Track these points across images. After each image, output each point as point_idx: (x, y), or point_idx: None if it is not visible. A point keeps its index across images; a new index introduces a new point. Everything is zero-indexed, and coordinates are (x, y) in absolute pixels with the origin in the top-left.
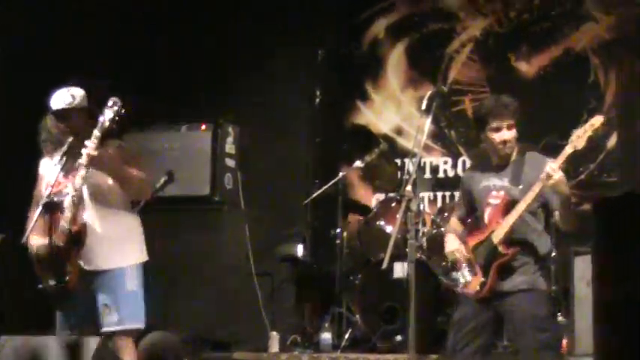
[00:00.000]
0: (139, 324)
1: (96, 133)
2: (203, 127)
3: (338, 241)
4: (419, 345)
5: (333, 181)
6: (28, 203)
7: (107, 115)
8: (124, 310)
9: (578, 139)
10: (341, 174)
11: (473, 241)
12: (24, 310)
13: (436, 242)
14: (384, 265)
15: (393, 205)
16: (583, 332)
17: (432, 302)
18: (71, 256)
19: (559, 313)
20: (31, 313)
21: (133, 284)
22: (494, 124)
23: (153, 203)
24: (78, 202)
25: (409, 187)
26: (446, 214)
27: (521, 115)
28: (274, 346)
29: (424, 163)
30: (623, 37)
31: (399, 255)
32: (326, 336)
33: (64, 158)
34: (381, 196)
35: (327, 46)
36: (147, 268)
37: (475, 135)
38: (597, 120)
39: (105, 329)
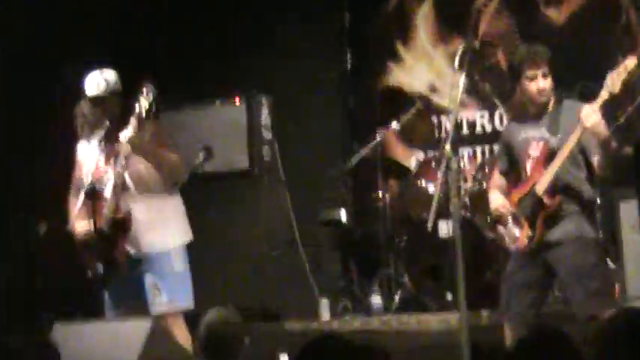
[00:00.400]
0: (189, 304)
1: (133, 121)
2: (237, 100)
3: (380, 204)
4: (469, 302)
5: (371, 145)
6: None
7: (143, 103)
8: (173, 291)
9: (613, 82)
10: (377, 137)
11: (517, 195)
12: (70, 297)
13: (479, 199)
14: (429, 225)
15: (433, 163)
16: (633, 277)
17: (479, 259)
18: (117, 241)
19: (607, 259)
20: (77, 300)
21: (180, 265)
22: (529, 73)
23: (194, 181)
24: (120, 190)
25: (447, 146)
26: (487, 170)
27: (555, 63)
28: (325, 313)
29: (461, 119)
30: None
31: (442, 213)
32: (376, 299)
33: (102, 143)
34: (420, 155)
35: (354, 8)
36: (193, 246)
37: (510, 86)
38: (631, 62)
39: (156, 310)
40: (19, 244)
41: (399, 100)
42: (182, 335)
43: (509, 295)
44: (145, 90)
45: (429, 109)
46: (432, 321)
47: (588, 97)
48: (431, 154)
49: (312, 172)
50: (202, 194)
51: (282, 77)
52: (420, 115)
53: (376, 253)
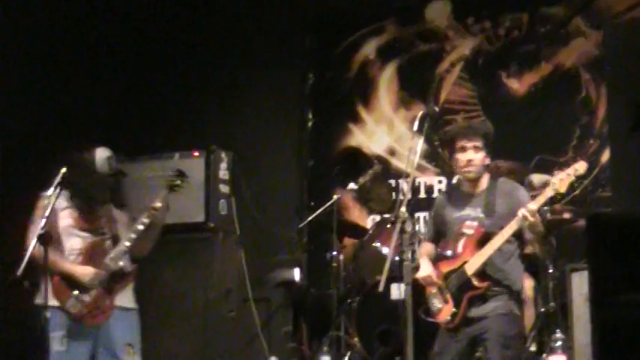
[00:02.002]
0: None
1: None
2: (196, 154)
3: (334, 264)
4: None
5: (327, 205)
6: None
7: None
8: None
9: (561, 182)
10: (335, 197)
11: (445, 268)
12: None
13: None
14: (381, 288)
15: (389, 226)
16: (582, 348)
17: (429, 322)
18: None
19: (557, 330)
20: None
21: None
22: (459, 144)
23: None
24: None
25: (403, 208)
26: None
27: (513, 134)
28: None
29: (418, 183)
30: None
31: (395, 277)
32: (325, 359)
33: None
34: (376, 218)
35: (317, 70)
36: (146, 297)
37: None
38: (581, 166)
39: None
40: None
41: (357, 161)
42: None
43: None
44: None
45: (386, 172)
46: None
47: (545, 169)
48: (387, 216)
49: (268, 230)
50: (157, 245)
51: (244, 134)
52: (377, 177)
53: (328, 314)
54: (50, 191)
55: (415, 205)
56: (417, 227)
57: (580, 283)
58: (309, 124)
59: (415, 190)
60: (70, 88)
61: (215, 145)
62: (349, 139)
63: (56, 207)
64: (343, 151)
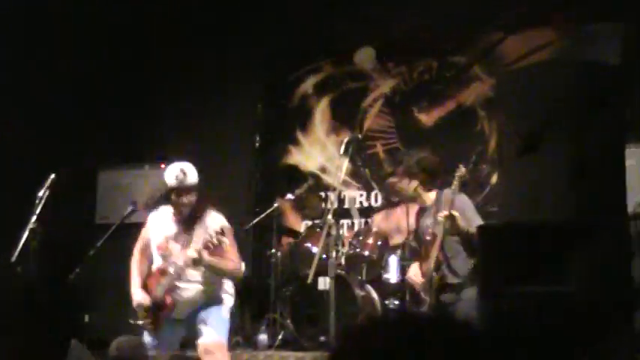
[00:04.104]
0: None
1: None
2: (162, 165)
3: (273, 260)
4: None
5: (269, 210)
6: (13, 227)
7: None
8: None
9: (455, 187)
10: (275, 204)
11: (424, 268)
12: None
13: (353, 260)
14: (310, 280)
15: (318, 230)
16: None
17: (349, 309)
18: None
19: None
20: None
21: None
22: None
23: (120, 229)
24: (177, 278)
25: (330, 216)
26: (361, 238)
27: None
28: None
29: (343, 195)
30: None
31: (322, 271)
32: (262, 337)
33: (178, 226)
34: (308, 223)
35: (266, 100)
36: (115, 284)
37: (384, 174)
38: (459, 171)
39: None
40: None
41: (295, 176)
42: None
43: None
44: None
45: (318, 185)
46: (307, 357)
47: (447, 185)
48: (317, 221)
49: None
50: (130, 240)
51: (204, 150)
52: (311, 189)
53: (266, 300)
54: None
55: (340, 213)
56: (340, 232)
57: None
58: (257, 144)
59: (341, 200)
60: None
61: (177, 159)
62: (289, 157)
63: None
64: (284, 167)
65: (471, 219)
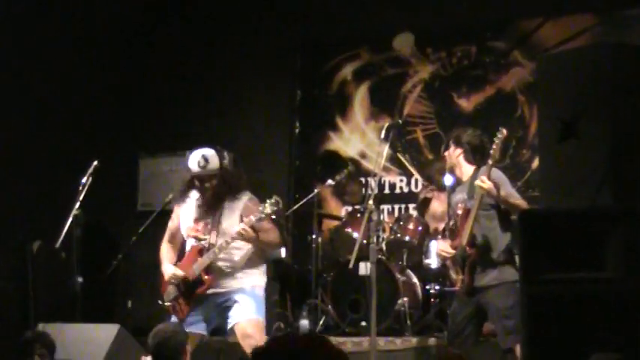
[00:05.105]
0: None
1: (252, 219)
2: None
3: (314, 246)
4: (378, 329)
5: (309, 196)
6: (57, 213)
7: (266, 210)
8: None
9: (494, 152)
10: (315, 190)
11: (454, 245)
12: (55, 303)
13: (393, 246)
14: (351, 265)
15: (359, 215)
16: None
17: (390, 294)
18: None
19: None
20: (61, 306)
21: None
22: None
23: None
24: (214, 257)
25: (371, 201)
26: (402, 223)
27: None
28: None
29: (383, 181)
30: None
31: (363, 256)
32: (304, 322)
33: (201, 210)
34: (348, 208)
35: (305, 87)
36: (157, 270)
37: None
38: (501, 133)
39: None
40: (16, 259)
41: (335, 162)
42: None
43: (452, 328)
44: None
45: (358, 171)
46: (348, 343)
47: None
48: (357, 207)
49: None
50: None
51: (244, 137)
52: (351, 175)
53: (308, 286)
54: None
55: (381, 198)
56: (381, 217)
57: None
58: (297, 131)
59: (381, 186)
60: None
61: (219, 146)
62: (329, 144)
63: None
64: (324, 153)
65: (508, 191)
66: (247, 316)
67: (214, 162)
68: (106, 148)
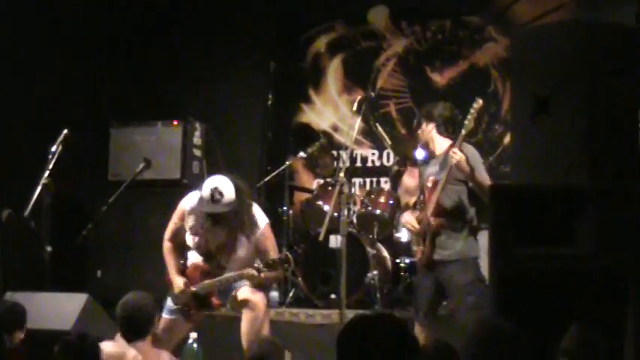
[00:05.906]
0: None
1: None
2: (175, 123)
3: (285, 218)
4: (348, 302)
5: (281, 168)
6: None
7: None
8: None
9: (469, 122)
10: (287, 162)
11: (420, 217)
12: (24, 272)
13: (364, 219)
14: (321, 238)
15: (330, 188)
16: None
17: (361, 268)
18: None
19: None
20: (30, 274)
21: None
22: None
23: (132, 186)
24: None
25: (342, 174)
26: (373, 196)
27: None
28: None
29: (355, 154)
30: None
31: (333, 229)
32: (274, 294)
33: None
34: (320, 181)
35: (278, 59)
36: (135, 240)
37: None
38: (477, 102)
39: None
40: None
41: (307, 134)
42: None
43: (414, 300)
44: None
45: (330, 144)
46: (317, 315)
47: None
48: (329, 180)
49: None
50: (141, 197)
51: (216, 109)
52: (323, 148)
53: None
54: None
55: (352, 171)
56: (352, 190)
57: (483, 242)
58: (270, 103)
59: (353, 159)
60: (67, 67)
61: (191, 117)
62: (301, 116)
63: None
64: (296, 125)
65: (478, 168)
66: (249, 288)
67: (229, 197)
68: (78, 116)
